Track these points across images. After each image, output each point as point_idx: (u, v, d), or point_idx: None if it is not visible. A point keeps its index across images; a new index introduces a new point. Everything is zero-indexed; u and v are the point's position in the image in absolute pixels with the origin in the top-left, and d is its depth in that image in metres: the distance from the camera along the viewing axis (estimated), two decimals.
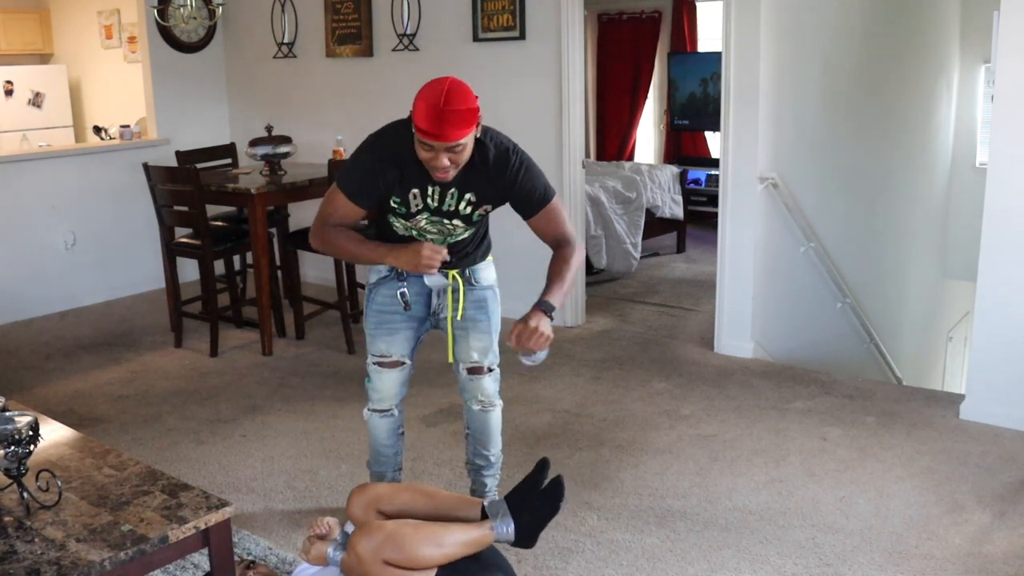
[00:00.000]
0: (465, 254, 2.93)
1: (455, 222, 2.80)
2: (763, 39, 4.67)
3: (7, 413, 2.29)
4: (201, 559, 2.85)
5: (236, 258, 5.78)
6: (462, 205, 2.76)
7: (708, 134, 9.35)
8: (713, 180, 8.26)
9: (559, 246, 2.83)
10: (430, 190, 2.73)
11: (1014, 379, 3.90)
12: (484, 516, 2.66)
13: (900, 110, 6.67)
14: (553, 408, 4.29)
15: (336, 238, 2.82)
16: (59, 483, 2.27)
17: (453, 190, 2.73)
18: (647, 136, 10.05)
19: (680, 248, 7.93)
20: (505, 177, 2.73)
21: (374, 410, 3.10)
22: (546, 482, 2.73)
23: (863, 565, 2.95)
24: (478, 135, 2.67)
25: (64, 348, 5.37)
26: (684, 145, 9.56)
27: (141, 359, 5.15)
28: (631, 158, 9.63)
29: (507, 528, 2.64)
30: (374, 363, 3.03)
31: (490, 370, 3.06)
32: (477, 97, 2.60)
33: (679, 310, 5.99)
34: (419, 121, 2.53)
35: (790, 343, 5.22)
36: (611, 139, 9.86)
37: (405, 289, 2.92)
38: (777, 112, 4.89)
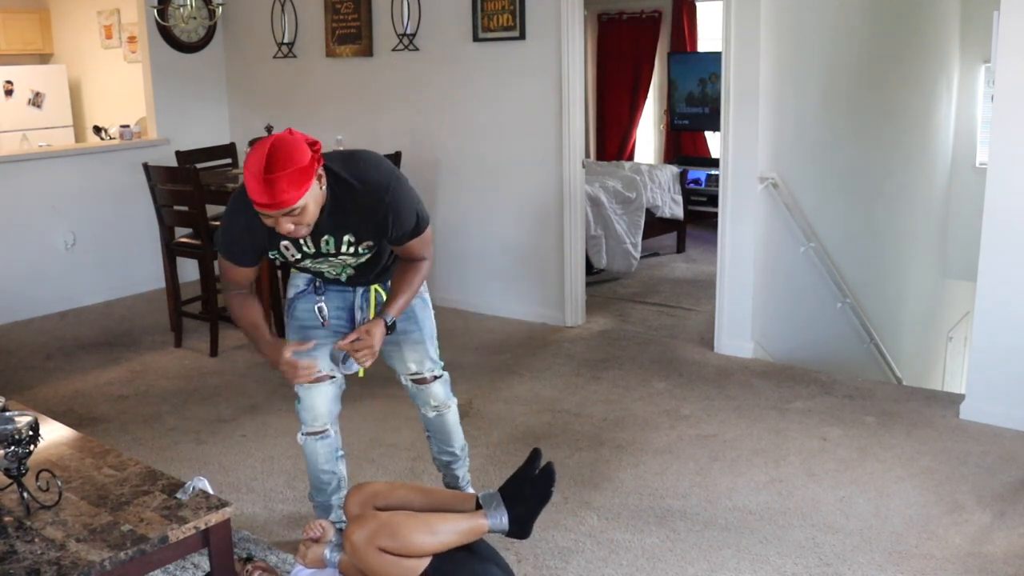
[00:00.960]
0: (378, 271, 2.83)
1: (342, 258, 2.69)
2: (763, 39, 4.67)
3: (7, 413, 2.29)
4: (201, 559, 2.85)
5: None
6: (343, 247, 2.64)
7: (708, 134, 9.35)
8: (713, 180, 8.26)
9: (408, 262, 2.77)
10: (301, 241, 2.60)
11: (1014, 379, 3.90)
12: (479, 508, 2.68)
13: (900, 110, 6.66)
14: (553, 408, 4.29)
15: (235, 309, 2.81)
16: (59, 483, 2.27)
17: (327, 236, 2.59)
18: (647, 136, 10.05)
19: (680, 248, 7.93)
20: (377, 215, 2.58)
21: (308, 433, 2.96)
22: (537, 471, 2.75)
23: (863, 565, 2.95)
24: (336, 177, 2.52)
25: (64, 348, 5.37)
26: (684, 145, 9.56)
27: (141, 359, 5.15)
28: (631, 158, 9.63)
29: (501, 518, 2.65)
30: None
31: (436, 377, 3.03)
32: (318, 144, 2.43)
33: (679, 310, 5.99)
34: (249, 192, 2.37)
35: (790, 343, 5.22)
36: (611, 139, 9.86)
37: (323, 304, 2.84)
38: (777, 112, 4.89)
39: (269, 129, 5.40)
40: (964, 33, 7.72)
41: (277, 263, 2.82)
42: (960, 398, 4.19)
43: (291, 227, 2.43)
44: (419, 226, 2.68)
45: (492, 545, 2.79)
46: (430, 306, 3.02)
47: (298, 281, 2.91)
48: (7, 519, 2.19)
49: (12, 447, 2.18)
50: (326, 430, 2.98)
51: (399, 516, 2.60)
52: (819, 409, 4.21)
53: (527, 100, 5.40)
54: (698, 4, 9.38)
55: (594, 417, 4.17)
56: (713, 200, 6.84)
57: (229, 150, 6.06)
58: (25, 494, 2.22)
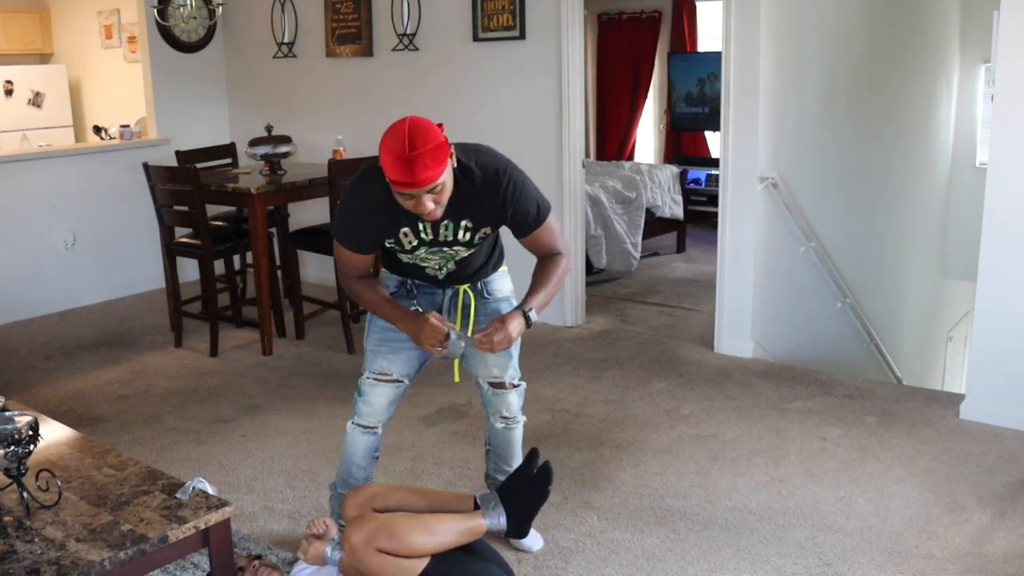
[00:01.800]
0: (475, 268, 2.84)
1: (456, 248, 2.71)
2: (763, 39, 4.67)
3: (7, 413, 2.29)
4: (201, 559, 2.85)
5: (236, 258, 5.78)
6: (460, 233, 2.67)
7: (708, 134, 9.35)
8: (713, 180, 8.26)
9: (546, 257, 2.78)
10: (420, 226, 2.64)
11: (1014, 379, 3.90)
12: (477, 508, 2.68)
13: (900, 110, 6.67)
14: (553, 408, 4.29)
15: (360, 292, 2.80)
16: (59, 483, 2.27)
17: (446, 221, 2.62)
18: (647, 136, 10.05)
19: (680, 248, 7.93)
20: (497, 200, 2.61)
21: (359, 424, 2.98)
22: (535, 470, 2.75)
23: (863, 565, 2.95)
24: (457, 163, 2.56)
25: (64, 348, 5.37)
26: (684, 145, 9.56)
27: (141, 359, 5.15)
28: (631, 158, 9.64)
29: (499, 518, 2.65)
30: (371, 378, 2.92)
31: (514, 385, 3.00)
32: (442, 125, 2.51)
33: (679, 310, 5.99)
34: (389, 173, 2.42)
35: (790, 343, 5.22)
36: (611, 139, 9.86)
37: (419, 308, 2.84)
38: (777, 112, 4.89)
39: (269, 129, 5.40)
40: (964, 33, 7.72)
41: (391, 252, 2.82)
42: (960, 398, 4.19)
43: (431, 206, 2.47)
44: (540, 214, 2.68)
45: (487, 541, 2.79)
46: None
47: (388, 283, 2.91)
48: (7, 519, 2.19)
49: (12, 447, 2.18)
50: (376, 427, 2.99)
51: (397, 517, 2.61)
52: (819, 409, 4.21)
53: (527, 100, 5.40)
54: (698, 4, 9.38)
55: (594, 417, 4.17)
56: (713, 200, 6.84)
57: (229, 150, 6.05)
58: (25, 494, 2.22)
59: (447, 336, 2.64)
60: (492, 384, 2.99)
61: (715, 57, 8.77)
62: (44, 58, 9.15)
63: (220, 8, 6.29)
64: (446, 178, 2.46)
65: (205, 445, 3.97)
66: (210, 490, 2.41)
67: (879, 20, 6.16)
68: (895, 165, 6.62)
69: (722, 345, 5.01)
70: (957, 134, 7.94)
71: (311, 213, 6.11)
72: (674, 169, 7.95)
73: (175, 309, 5.37)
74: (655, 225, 7.52)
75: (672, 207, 7.69)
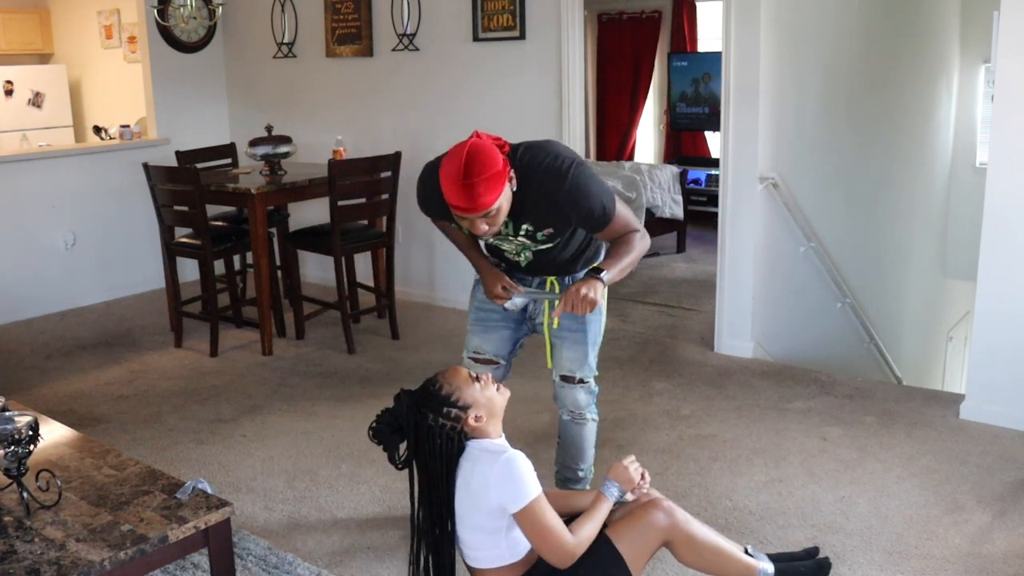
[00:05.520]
0: (561, 262, 2.87)
1: (521, 240, 2.75)
2: (763, 39, 4.67)
3: (7, 413, 2.29)
4: (201, 559, 2.85)
5: (236, 258, 5.78)
6: (521, 234, 2.72)
7: (708, 134, 9.35)
8: (713, 180, 8.26)
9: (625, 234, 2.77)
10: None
11: (1014, 379, 3.90)
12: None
13: (900, 110, 6.67)
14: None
15: (455, 237, 2.94)
16: (59, 483, 2.27)
17: (506, 219, 2.64)
18: (647, 136, 10.05)
19: (680, 248, 7.93)
20: (557, 207, 2.63)
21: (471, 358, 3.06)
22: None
23: (863, 565, 2.95)
24: (518, 169, 2.57)
25: (64, 348, 5.37)
26: (684, 145, 9.56)
27: (141, 359, 5.15)
28: (631, 158, 9.64)
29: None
30: (468, 358, 3.03)
31: (582, 382, 3.00)
32: (504, 145, 2.53)
33: (679, 310, 5.99)
34: (445, 193, 2.48)
35: (790, 343, 5.22)
36: (611, 139, 9.87)
37: (501, 265, 2.93)
38: (777, 112, 4.89)
39: (269, 129, 5.40)
40: (964, 33, 7.72)
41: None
42: (960, 398, 4.19)
43: (485, 227, 2.55)
44: (604, 214, 2.66)
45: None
46: (603, 313, 2.98)
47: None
48: (7, 519, 2.19)
49: (12, 447, 2.18)
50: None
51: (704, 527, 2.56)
52: (819, 409, 4.21)
53: (527, 100, 5.40)
54: (698, 4, 9.39)
55: None
56: (713, 200, 6.84)
57: (229, 150, 6.05)
58: (25, 494, 2.22)
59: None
60: (563, 377, 3.02)
61: (711, 57, 8.79)
62: (44, 58, 9.15)
63: (220, 8, 6.29)
64: (502, 202, 2.50)
65: (205, 445, 3.97)
66: (209, 490, 2.41)
67: (879, 20, 6.16)
68: (895, 165, 6.62)
69: (722, 345, 5.01)
70: (957, 134, 7.93)
71: (311, 213, 6.11)
72: (674, 169, 7.95)
73: (175, 309, 5.37)
74: (655, 225, 7.52)
75: (672, 207, 7.69)
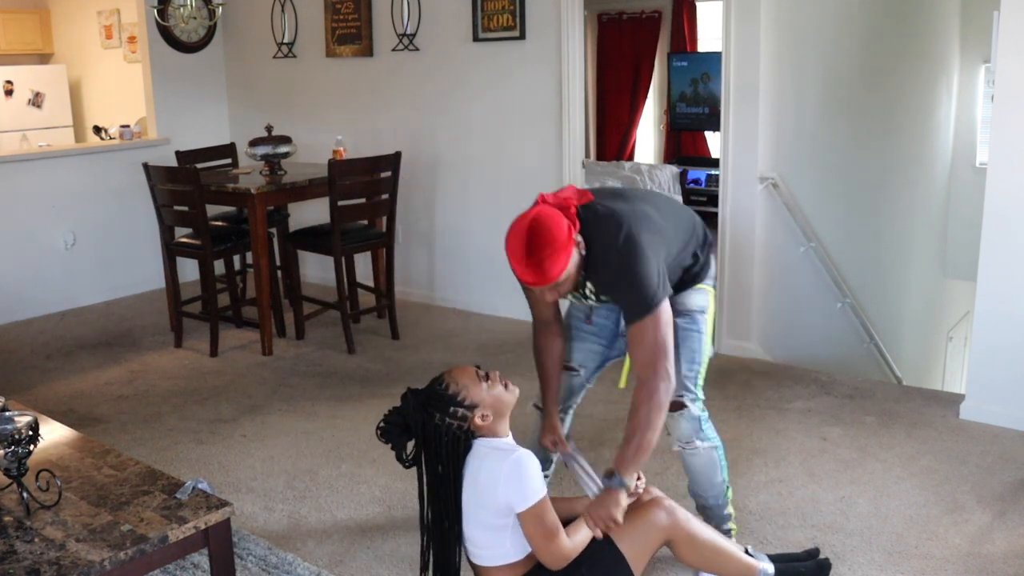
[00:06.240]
0: None
1: (587, 301, 2.73)
2: (763, 39, 4.67)
3: (7, 413, 2.29)
4: (201, 559, 2.85)
5: (236, 258, 5.78)
6: (586, 291, 2.67)
7: (708, 134, 9.36)
8: (713, 180, 8.26)
9: (638, 381, 2.49)
10: None
11: (1014, 379, 3.90)
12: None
13: (900, 110, 6.67)
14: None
15: (533, 344, 2.86)
16: (59, 483, 2.27)
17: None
18: (647, 136, 10.06)
19: None
20: (603, 279, 2.55)
21: (537, 407, 3.02)
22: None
23: (863, 565, 2.95)
24: (584, 231, 2.45)
25: (64, 348, 5.37)
26: (684, 145, 9.57)
27: (141, 359, 5.15)
28: (631, 158, 9.64)
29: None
30: None
31: (681, 406, 2.69)
32: (572, 207, 2.42)
33: None
34: (513, 268, 2.42)
35: (790, 343, 5.22)
36: (611, 139, 9.87)
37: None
38: (777, 112, 4.89)
39: (269, 129, 5.40)
40: (964, 33, 7.73)
41: None
42: (960, 398, 4.19)
43: (551, 297, 2.53)
44: (631, 313, 2.47)
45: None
46: (703, 328, 2.73)
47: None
48: (7, 519, 2.19)
49: (12, 447, 2.18)
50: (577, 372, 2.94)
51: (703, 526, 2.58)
52: (819, 409, 4.21)
53: (527, 100, 5.40)
54: (698, 4, 9.39)
55: (594, 417, 4.17)
56: (713, 200, 6.84)
57: (229, 150, 6.05)
58: (25, 494, 2.22)
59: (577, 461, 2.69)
60: None
61: (710, 57, 8.80)
62: (44, 58, 9.15)
63: (220, 8, 6.29)
64: (570, 270, 2.42)
65: (205, 445, 3.97)
66: (210, 491, 2.41)
67: (879, 20, 6.16)
68: (895, 165, 6.62)
69: (722, 345, 5.01)
70: (957, 134, 7.94)
71: (311, 213, 6.11)
72: (674, 169, 7.96)
73: (175, 309, 5.37)
74: None
75: None
